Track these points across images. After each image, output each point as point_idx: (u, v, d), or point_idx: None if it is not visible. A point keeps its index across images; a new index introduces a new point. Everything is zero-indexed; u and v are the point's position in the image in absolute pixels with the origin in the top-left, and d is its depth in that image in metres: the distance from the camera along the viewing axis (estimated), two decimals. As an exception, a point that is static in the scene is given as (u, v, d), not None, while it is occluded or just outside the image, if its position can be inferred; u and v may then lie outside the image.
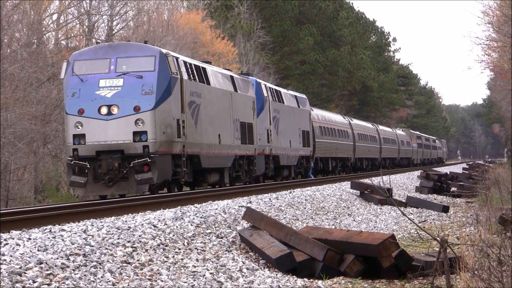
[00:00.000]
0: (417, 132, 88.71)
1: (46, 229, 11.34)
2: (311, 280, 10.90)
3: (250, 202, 17.56)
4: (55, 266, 8.73)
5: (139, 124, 21.03)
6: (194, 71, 24.22)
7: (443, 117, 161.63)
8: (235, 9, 63.96)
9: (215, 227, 13.07)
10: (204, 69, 25.38)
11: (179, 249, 11.12)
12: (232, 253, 11.75)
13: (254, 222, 12.86)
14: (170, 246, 11.04)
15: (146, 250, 10.45)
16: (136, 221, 12.26)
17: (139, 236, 10.96)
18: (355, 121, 57.68)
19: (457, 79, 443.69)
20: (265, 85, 33.24)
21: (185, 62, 23.58)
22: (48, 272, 8.48)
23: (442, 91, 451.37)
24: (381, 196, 22.59)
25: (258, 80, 33.33)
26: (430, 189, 30.02)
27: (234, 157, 27.50)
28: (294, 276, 10.99)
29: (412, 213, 21.46)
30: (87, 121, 21.11)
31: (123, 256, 9.88)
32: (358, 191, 24.28)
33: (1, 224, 11.79)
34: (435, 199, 27.29)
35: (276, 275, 10.92)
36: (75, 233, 10.59)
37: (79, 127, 21.14)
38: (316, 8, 73.42)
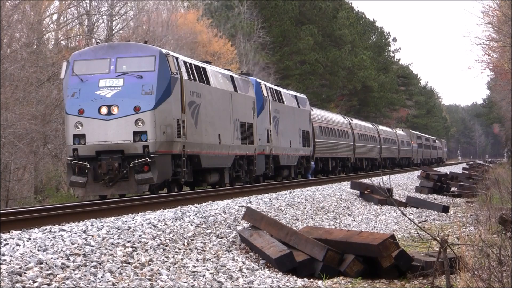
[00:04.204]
0: (417, 132, 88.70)
1: (46, 229, 11.34)
2: (311, 280, 10.90)
3: (250, 202, 17.55)
4: (55, 266, 8.73)
5: (139, 124, 21.03)
6: (194, 71, 24.22)
7: (443, 117, 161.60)
8: (235, 9, 63.97)
9: (215, 227, 13.07)
10: (204, 69, 25.38)
11: (179, 249, 11.12)
12: (232, 253, 11.75)
13: (254, 222, 12.86)
14: (170, 246, 11.04)
15: (146, 250, 10.45)
16: (136, 221, 12.26)
17: (139, 236, 10.96)
18: (355, 121, 57.67)
19: (457, 79, 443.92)
20: (265, 85, 33.24)
21: (185, 62, 23.58)
22: (48, 272, 8.47)
23: (442, 91, 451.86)
24: (381, 196, 22.58)
25: (258, 80, 33.32)
26: (430, 189, 30.01)
27: (234, 157, 27.49)
28: (294, 276, 10.99)
29: (412, 213, 21.45)
30: (87, 121, 21.10)
31: (123, 256, 9.88)
32: (358, 191, 24.28)
33: (1, 224, 11.78)
34: (435, 199, 27.29)
35: (276, 275, 10.92)
36: (75, 233, 10.59)
37: (79, 127, 21.14)
38: (316, 8, 73.41)
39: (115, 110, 21.07)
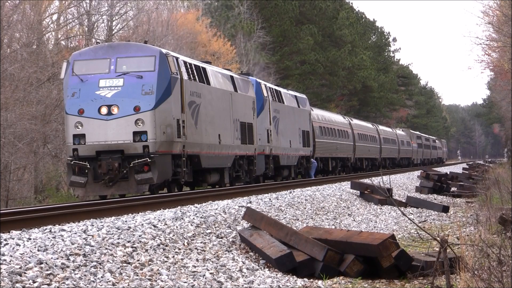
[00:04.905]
0: (417, 132, 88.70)
1: (46, 229, 11.34)
2: (311, 280, 10.90)
3: (250, 202, 17.55)
4: (55, 266, 8.73)
5: (139, 124, 21.03)
6: (194, 71, 24.22)
7: (443, 117, 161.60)
8: (235, 9, 63.97)
9: (215, 227, 13.07)
10: (204, 69, 25.38)
11: (179, 249, 11.12)
12: (232, 253, 11.75)
13: (254, 222, 12.86)
14: (170, 246, 11.04)
15: (146, 250, 10.45)
16: (136, 221, 12.26)
17: (139, 236, 10.96)
18: (355, 121, 57.67)
19: (457, 79, 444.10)
20: (265, 85, 33.24)
21: (185, 62, 23.58)
22: (48, 272, 8.48)
23: (442, 91, 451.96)
24: (381, 196, 22.58)
25: (258, 80, 33.32)
26: (430, 189, 30.01)
27: (234, 157, 27.49)
28: (294, 276, 10.99)
29: (412, 213, 21.45)
30: (87, 121, 21.10)
31: (123, 256, 9.88)
32: (358, 191, 24.28)
33: (1, 224, 11.78)
34: (435, 199, 27.29)
35: (276, 275, 10.92)
36: (75, 233, 10.59)
37: (79, 127, 21.13)
38: (316, 8, 73.41)
39: (115, 110, 21.07)
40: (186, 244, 11.47)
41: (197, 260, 10.84)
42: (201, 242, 11.79)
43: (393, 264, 10.95)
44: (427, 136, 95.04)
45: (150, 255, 10.27)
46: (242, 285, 10.10)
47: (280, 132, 34.20)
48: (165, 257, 10.48)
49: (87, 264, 9.16)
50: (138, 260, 9.90)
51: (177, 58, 22.91)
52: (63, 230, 11.08)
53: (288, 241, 11.75)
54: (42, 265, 8.60)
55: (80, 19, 43.26)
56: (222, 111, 26.54)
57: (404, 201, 23.97)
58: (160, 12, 51.40)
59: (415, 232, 16.17)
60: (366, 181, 25.91)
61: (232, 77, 28.61)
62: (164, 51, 22.26)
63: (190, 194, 21.01)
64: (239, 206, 15.84)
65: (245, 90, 29.55)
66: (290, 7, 68.44)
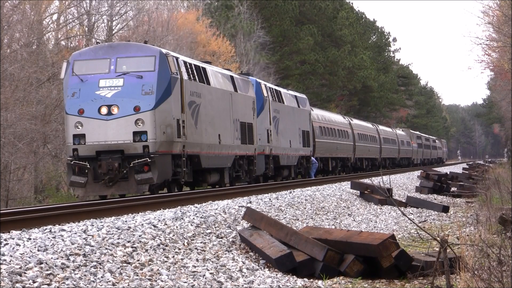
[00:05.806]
0: (417, 132, 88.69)
1: (46, 229, 11.34)
2: (311, 280, 10.90)
3: (250, 202, 17.55)
4: (55, 266, 8.73)
5: (139, 124, 21.03)
6: (194, 71, 24.21)
7: (443, 117, 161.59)
8: (235, 9, 63.96)
9: (215, 227, 13.07)
10: (204, 69, 25.38)
11: (179, 249, 11.12)
12: (232, 253, 11.75)
13: (254, 222, 12.85)
14: (170, 246, 11.04)
15: (146, 250, 10.45)
16: (136, 221, 12.26)
17: (139, 236, 10.96)
18: (355, 121, 57.67)
19: (457, 79, 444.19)
20: (265, 85, 33.23)
21: (185, 62, 23.58)
22: (48, 272, 8.48)
23: (442, 91, 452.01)
24: (381, 196, 22.58)
25: (258, 80, 33.31)
26: (430, 189, 30.01)
27: (234, 157, 27.49)
28: (294, 276, 10.99)
29: (412, 213, 21.45)
30: (87, 121, 21.10)
31: (123, 256, 9.88)
32: (358, 191, 24.28)
33: (1, 224, 11.78)
34: (435, 199, 27.28)
35: (276, 275, 10.92)
36: (75, 233, 10.59)
37: (79, 127, 21.13)
38: (316, 8, 73.41)
39: (115, 110, 21.07)
40: (186, 244, 11.47)
41: (197, 260, 10.84)
42: (201, 242, 11.80)
43: (393, 264, 10.95)
44: (427, 136, 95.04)
45: (150, 255, 10.27)
46: (242, 285, 10.10)
47: (280, 132, 34.20)
48: (165, 257, 10.48)
49: (87, 264, 9.16)
50: (138, 260, 9.91)
51: (177, 58, 22.91)
52: (63, 230, 11.08)
53: (288, 241, 11.75)
54: (42, 265, 8.60)
55: (80, 19, 43.28)
56: (222, 111, 26.54)
57: (404, 201, 23.97)
58: (160, 12, 51.43)
59: (415, 232, 16.17)
60: (366, 181, 25.91)
61: (232, 77, 28.61)
62: (164, 51, 22.25)
63: (190, 194, 21.00)
64: (239, 206, 15.84)
65: (245, 90, 29.55)
66: (290, 7, 68.43)
